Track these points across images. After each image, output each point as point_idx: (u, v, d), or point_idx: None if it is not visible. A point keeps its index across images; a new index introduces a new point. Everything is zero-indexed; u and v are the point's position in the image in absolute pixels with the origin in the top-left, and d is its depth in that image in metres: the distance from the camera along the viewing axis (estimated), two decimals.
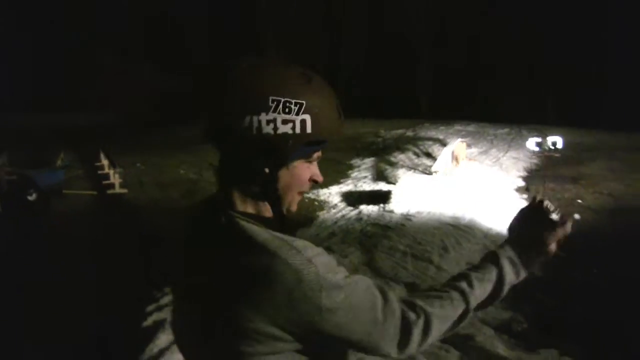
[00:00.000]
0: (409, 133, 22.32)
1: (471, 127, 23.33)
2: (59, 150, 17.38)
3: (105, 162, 16.58)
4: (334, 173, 15.69)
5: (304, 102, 1.60)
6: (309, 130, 1.62)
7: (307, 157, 1.72)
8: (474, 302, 1.85)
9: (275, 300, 1.48)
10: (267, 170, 1.65)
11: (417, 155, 18.21)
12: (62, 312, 6.88)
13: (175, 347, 5.31)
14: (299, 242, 1.60)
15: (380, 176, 15.56)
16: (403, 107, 31.53)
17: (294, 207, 1.80)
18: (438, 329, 1.74)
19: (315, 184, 1.80)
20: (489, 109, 28.19)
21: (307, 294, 1.49)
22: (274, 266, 1.50)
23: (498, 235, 10.49)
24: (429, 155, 18.12)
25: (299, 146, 1.63)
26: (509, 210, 12.23)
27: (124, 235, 10.89)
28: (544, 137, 11.42)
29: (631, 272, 8.32)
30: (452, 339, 5.76)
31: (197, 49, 34.85)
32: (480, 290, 1.87)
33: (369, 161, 17.79)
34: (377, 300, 1.62)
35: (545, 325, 6.76)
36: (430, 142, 19.87)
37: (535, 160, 15.34)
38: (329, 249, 9.41)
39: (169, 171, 17.23)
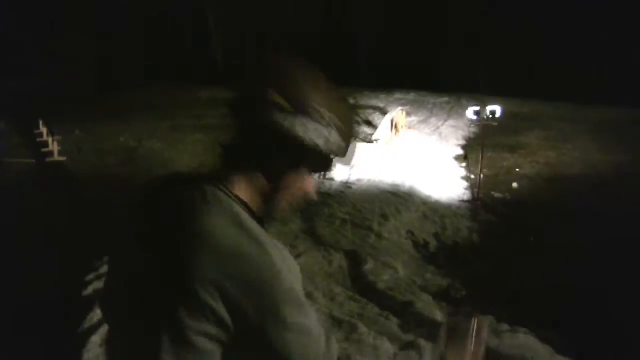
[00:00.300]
0: (350, 101, 22.21)
1: (411, 96, 23.36)
2: None
3: (43, 129, 16.13)
4: None
5: (335, 117, 1.62)
6: (331, 145, 1.62)
7: (314, 170, 1.70)
8: None
9: (240, 281, 1.40)
10: (283, 167, 1.62)
11: (358, 124, 18.17)
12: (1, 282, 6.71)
13: None
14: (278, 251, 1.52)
15: None
16: (343, 75, 31.43)
17: (278, 213, 1.72)
18: None
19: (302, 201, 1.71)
20: (428, 77, 28.29)
21: (270, 292, 1.43)
22: (255, 252, 1.44)
23: (437, 203, 10.58)
24: (369, 123, 18.10)
25: (318, 156, 1.63)
26: (447, 179, 12.34)
27: (63, 203, 10.65)
28: (483, 106, 11.47)
29: (566, 238, 8.47)
30: (391, 306, 5.76)
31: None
32: None
33: None
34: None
35: (482, 292, 6.82)
36: (370, 111, 19.84)
37: (474, 129, 15.46)
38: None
39: (108, 139, 16.87)
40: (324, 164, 1.68)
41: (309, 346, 1.50)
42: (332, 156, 1.65)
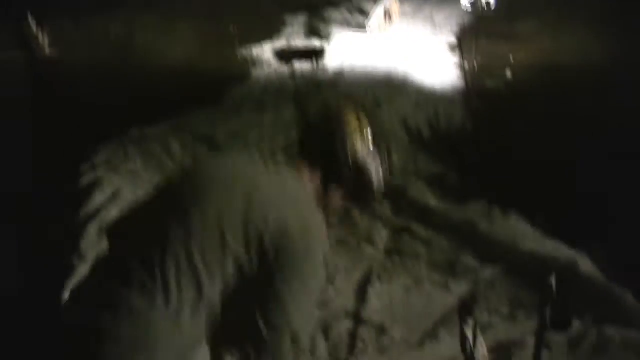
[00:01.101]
0: None
1: None
2: None
3: (32, 21, 15.76)
4: (266, 30, 15.33)
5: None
6: (378, 187, 2.05)
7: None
8: None
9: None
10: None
11: (350, 12, 17.79)
12: None
13: (111, 205, 5.25)
14: None
15: (313, 33, 15.20)
16: None
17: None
18: None
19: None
20: None
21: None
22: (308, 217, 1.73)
23: (430, 91, 10.49)
24: (362, 11, 17.69)
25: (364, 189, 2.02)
26: (441, 67, 12.21)
27: (55, 97, 10.55)
28: None
29: (559, 124, 8.47)
30: (385, 192, 5.80)
31: None
32: None
33: (301, 18, 17.34)
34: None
35: (474, 176, 6.86)
36: None
37: (468, 17, 15.16)
38: (262, 104, 9.27)
39: (98, 30, 16.51)
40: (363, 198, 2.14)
41: (309, 315, 1.72)
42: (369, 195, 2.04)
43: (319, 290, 1.77)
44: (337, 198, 1.94)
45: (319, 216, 1.77)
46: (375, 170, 1.96)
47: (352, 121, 1.94)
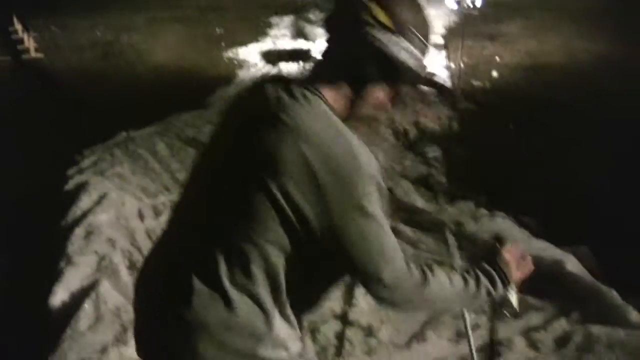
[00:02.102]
0: None
1: None
2: None
3: (18, 26, 15.68)
4: (252, 31, 15.36)
5: (427, 48, 1.85)
6: (417, 66, 1.79)
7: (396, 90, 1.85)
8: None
9: (331, 177, 1.56)
10: (370, 79, 1.75)
11: None
12: None
13: (99, 209, 5.21)
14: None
15: (299, 34, 15.22)
16: None
17: (357, 120, 1.83)
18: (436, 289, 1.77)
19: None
20: None
21: (358, 182, 1.59)
22: (349, 147, 1.61)
23: (417, 91, 10.50)
24: None
25: (404, 74, 1.77)
26: (427, 67, 12.23)
27: (42, 101, 10.49)
28: None
29: (545, 127, 8.51)
30: None
31: None
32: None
33: (287, 19, 17.35)
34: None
35: (462, 178, 6.88)
36: None
37: (454, 18, 15.19)
38: None
39: (84, 33, 16.47)
40: (410, 81, 1.84)
41: (384, 236, 1.65)
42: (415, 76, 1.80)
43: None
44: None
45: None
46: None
47: None
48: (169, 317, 1.64)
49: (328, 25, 1.80)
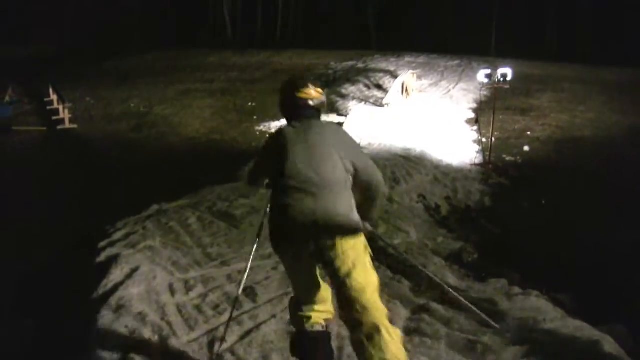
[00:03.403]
0: (360, 65, 22.09)
1: (421, 59, 23.16)
2: (7, 85, 16.94)
3: (54, 97, 16.16)
4: None
5: None
6: None
7: None
8: None
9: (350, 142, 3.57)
10: None
11: (368, 87, 18.07)
12: (13, 248, 6.78)
13: (129, 283, 5.23)
14: None
15: (331, 108, 15.40)
16: (353, 37, 31.25)
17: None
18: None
19: None
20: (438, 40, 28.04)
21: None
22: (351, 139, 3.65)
23: (448, 167, 10.54)
24: (379, 87, 18.00)
25: None
26: (459, 142, 12.28)
27: (76, 170, 10.69)
28: (494, 69, 11.41)
29: (578, 202, 8.45)
30: (404, 269, 5.77)
31: None
32: None
33: None
34: None
35: (494, 255, 6.81)
36: (380, 74, 19.70)
37: (485, 92, 15.31)
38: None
39: (118, 105, 16.88)
40: None
41: (374, 165, 3.54)
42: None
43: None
44: None
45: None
46: None
47: None
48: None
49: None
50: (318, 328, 3.46)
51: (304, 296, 3.49)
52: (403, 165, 10.15)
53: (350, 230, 3.21)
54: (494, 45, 29.09)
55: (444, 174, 9.99)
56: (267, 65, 23.48)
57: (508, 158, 11.23)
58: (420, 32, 30.22)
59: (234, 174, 9.84)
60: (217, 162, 10.93)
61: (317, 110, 3.56)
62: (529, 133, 12.82)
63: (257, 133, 13.69)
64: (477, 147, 11.89)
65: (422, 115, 14.49)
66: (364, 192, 3.46)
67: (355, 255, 3.21)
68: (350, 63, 22.66)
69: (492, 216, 8.37)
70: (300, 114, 3.49)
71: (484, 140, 11.93)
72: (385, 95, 16.16)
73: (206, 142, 13.11)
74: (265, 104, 15.88)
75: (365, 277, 3.19)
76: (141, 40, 30.02)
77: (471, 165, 10.81)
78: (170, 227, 6.96)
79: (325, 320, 3.52)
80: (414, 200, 8.62)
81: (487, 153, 10.97)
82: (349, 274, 3.16)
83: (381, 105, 15.51)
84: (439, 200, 8.78)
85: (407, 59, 23.14)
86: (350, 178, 3.34)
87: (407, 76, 16.74)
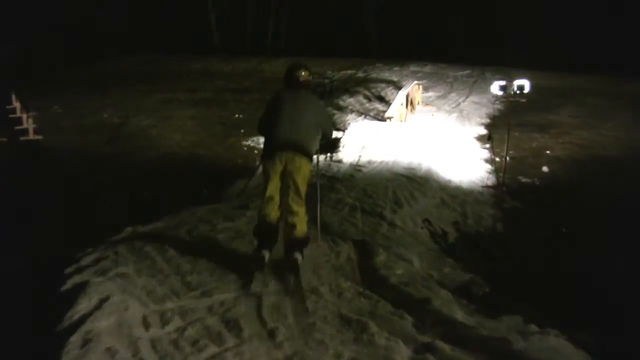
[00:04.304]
0: (360, 74, 22.15)
1: (428, 69, 23.24)
2: None
3: (17, 104, 16.09)
4: None
5: None
6: None
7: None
8: None
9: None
10: None
11: (369, 99, 18.13)
12: None
13: (98, 314, 5.18)
14: None
15: None
16: (353, 45, 31.38)
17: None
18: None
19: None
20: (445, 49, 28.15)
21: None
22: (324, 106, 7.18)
23: (457, 188, 10.53)
24: (381, 99, 18.06)
25: None
26: (469, 161, 12.28)
27: (40, 186, 10.63)
28: (510, 80, 11.42)
29: (602, 229, 8.43)
30: (405, 303, 5.72)
31: None
32: None
33: None
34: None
35: (508, 288, 6.78)
36: (383, 85, 19.77)
37: (499, 106, 15.34)
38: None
39: (90, 114, 16.85)
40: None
41: (332, 130, 7.12)
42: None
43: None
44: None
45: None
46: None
47: None
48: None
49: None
50: (271, 221, 6.07)
51: (267, 197, 6.04)
52: (406, 186, 10.15)
53: (304, 153, 5.99)
54: (509, 53, 29.24)
55: (451, 196, 9.98)
56: (256, 72, 23.58)
57: (524, 179, 11.23)
58: (425, 38, 30.37)
59: (218, 194, 9.81)
60: (199, 181, 10.91)
61: (305, 84, 6.35)
62: (547, 152, 12.83)
63: (245, 149, 13.68)
64: (489, 167, 11.91)
65: (428, 131, 14.53)
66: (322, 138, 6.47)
67: (301, 166, 5.94)
68: (349, 72, 22.72)
69: (506, 245, 8.35)
70: (293, 84, 6.31)
71: (497, 159, 11.95)
72: (388, 108, 16.18)
73: (187, 157, 13.09)
74: (253, 116, 15.86)
75: (300, 177, 5.96)
76: (118, 45, 30.05)
77: (482, 187, 10.81)
78: (146, 252, 6.89)
79: (276, 218, 6.10)
80: (418, 226, 8.59)
81: (501, 174, 10.98)
82: (292, 172, 5.93)
83: (383, 120, 15.53)
84: (445, 226, 8.76)
85: (412, 68, 23.23)
86: (320, 131, 6.27)
87: (412, 87, 16.80)
